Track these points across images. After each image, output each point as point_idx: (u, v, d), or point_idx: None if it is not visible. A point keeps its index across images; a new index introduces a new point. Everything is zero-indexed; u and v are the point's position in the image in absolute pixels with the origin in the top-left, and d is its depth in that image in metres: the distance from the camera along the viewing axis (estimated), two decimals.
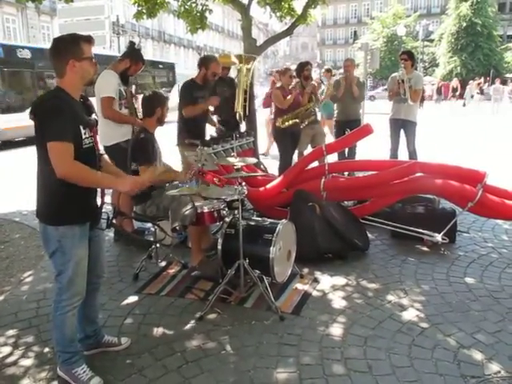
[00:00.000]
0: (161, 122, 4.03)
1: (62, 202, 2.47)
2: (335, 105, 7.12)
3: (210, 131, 5.93)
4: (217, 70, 5.23)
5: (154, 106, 3.96)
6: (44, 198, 2.53)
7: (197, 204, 3.69)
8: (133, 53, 4.71)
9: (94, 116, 2.66)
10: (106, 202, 2.73)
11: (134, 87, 4.92)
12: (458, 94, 28.76)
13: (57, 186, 2.41)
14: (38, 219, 2.58)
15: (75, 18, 9.23)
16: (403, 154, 6.93)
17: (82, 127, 2.46)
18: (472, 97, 27.24)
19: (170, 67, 25.50)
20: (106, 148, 4.56)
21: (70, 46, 2.44)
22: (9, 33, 31.11)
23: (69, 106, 2.41)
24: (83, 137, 2.47)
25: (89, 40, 2.52)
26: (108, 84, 4.51)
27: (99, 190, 2.70)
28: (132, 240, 4.74)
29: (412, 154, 6.75)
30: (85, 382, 2.60)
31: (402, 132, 6.85)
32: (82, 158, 2.41)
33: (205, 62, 5.24)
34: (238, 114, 5.66)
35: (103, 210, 2.70)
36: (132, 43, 4.82)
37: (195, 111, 5.10)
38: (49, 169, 2.36)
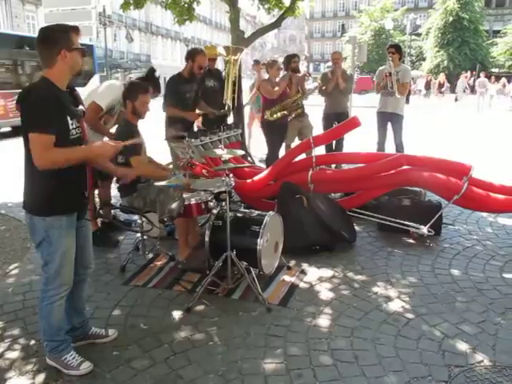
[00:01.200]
0: (136, 114, 3.85)
1: (49, 193, 2.45)
2: (323, 98, 7.11)
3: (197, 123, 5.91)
4: (202, 63, 5.20)
5: (125, 97, 3.89)
6: (31, 189, 2.51)
7: (184, 196, 3.68)
8: (151, 80, 4.46)
9: (81, 107, 2.63)
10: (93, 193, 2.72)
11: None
12: (444, 89, 27.81)
13: (43, 176, 2.40)
14: (24, 210, 2.56)
15: (61, 8, 9.06)
16: (390, 147, 6.97)
17: (69, 118, 2.45)
18: (464, 91, 26.12)
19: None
20: None
21: (61, 36, 2.42)
22: None
23: (55, 97, 2.39)
24: (70, 128, 2.46)
25: (76, 30, 2.50)
26: (108, 95, 4.37)
27: (88, 180, 2.66)
28: (95, 237, 4.62)
29: (399, 147, 6.79)
30: (75, 367, 2.63)
31: (389, 125, 6.89)
32: None
33: (191, 54, 5.21)
34: (226, 106, 5.64)
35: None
36: (152, 70, 4.64)
37: (176, 114, 5.07)
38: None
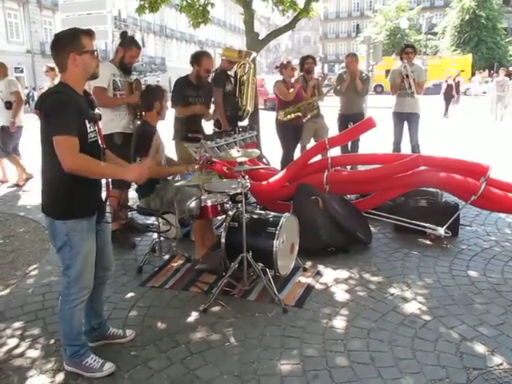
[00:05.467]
0: (161, 115, 4.03)
1: (70, 196, 2.47)
2: (338, 99, 7.10)
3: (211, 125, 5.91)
4: (209, 66, 5.10)
5: (152, 99, 3.96)
6: (51, 193, 2.53)
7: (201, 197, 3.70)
8: (124, 40, 4.62)
9: (97, 110, 2.67)
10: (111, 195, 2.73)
11: (134, 77, 4.81)
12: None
13: (64, 179, 2.42)
14: (44, 214, 2.58)
15: (77, 13, 9.19)
16: (406, 148, 6.93)
17: (87, 121, 2.48)
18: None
19: None
20: (103, 136, 4.58)
21: (70, 40, 2.45)
22: (11, 28, 31.12)
23: (73, 101, 2.42)
24: (88, 131, 2.49)
25: (89, 33, 2.52)
26: (102, 74, 4.48)
27: (104, 183, 2.71)
28: (114, 237, 4.67)
29: (415, 147, 6.76)
30: (97, 369, 2.65)
31: (405, 126, 6.86)
32: (88, 151, 2.42)
33: (196, 58, 5.02)
34: (246, 112, 5.62)
35: (107, 204, 2.73)
36: (124, 32, 4.75)
37: (187, 112, 5.03)
38: (55, 163, 2.36)
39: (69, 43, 2.44)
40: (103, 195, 2.73)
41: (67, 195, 2.47)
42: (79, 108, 2.43)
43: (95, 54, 2.54)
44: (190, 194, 3.75)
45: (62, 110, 2.36)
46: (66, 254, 2.54)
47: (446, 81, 18.83)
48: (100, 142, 2.63)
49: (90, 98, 2.65)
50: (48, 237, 2.73)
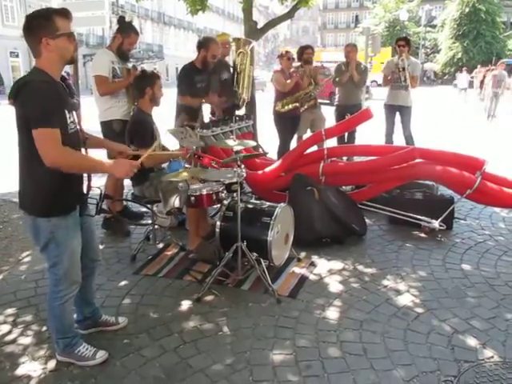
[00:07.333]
0: (154, 101, 3.97)
1: (53, 191, 2.34)
2: (336, 89, 7.07)
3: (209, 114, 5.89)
4: (216, 52, 5.14)
5: (143, 86, 3.92)
6: (32, 189, 2.37)
7: (195, 187, 3.68)
8: (122, 26, 4.55)
9: (75, 98, 2.57)
10: (92, 186, 2.55)
11: (130, 65, 4.73)
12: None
13: (46, 174, 2.27)
14: (24, 211, 2.44)
15: None
16: (398, 140, 6.93)
17: (66, 111, 2.31)
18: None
19: None
20: (102, 123, 4.56)
21: (41, 23, 2.21)
22: (6, 12, 30.75)
23: (53, 89, 2.24)
24: (68, 121, 2.32)
25: (64, 13, 2.27)
26: (98, 62, 4.47)
27: (85, 174, 2.53)
28: (109, 224, 4.67)
29: (408, 138, 6.79)
30: (90, 357, 2.64)
31: (396, 118, 6.87)
32: (68, 143, 2.26)
33: (204, 43, 5.11)
34: (241, 99, 5.60)
35: (90, 196, 2.59)
36: (121, 17, 4.68)
37: (192, 103, 5.07)
38: (35, 157, 2.21)
39: (40, 27, 2.21)
40: (85, 187, 2.57)
41: (50, 190, 2.33)
42: (59, 97, 2.26)
43: (72, 36, 2.31)
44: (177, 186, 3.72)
45: (41, 100, 2.16)
46: (52, 251, 2.44)
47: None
48: (80, 133, 2.46)
49: (67, 82, 2.47)
50: (30, 235, 2.55)
